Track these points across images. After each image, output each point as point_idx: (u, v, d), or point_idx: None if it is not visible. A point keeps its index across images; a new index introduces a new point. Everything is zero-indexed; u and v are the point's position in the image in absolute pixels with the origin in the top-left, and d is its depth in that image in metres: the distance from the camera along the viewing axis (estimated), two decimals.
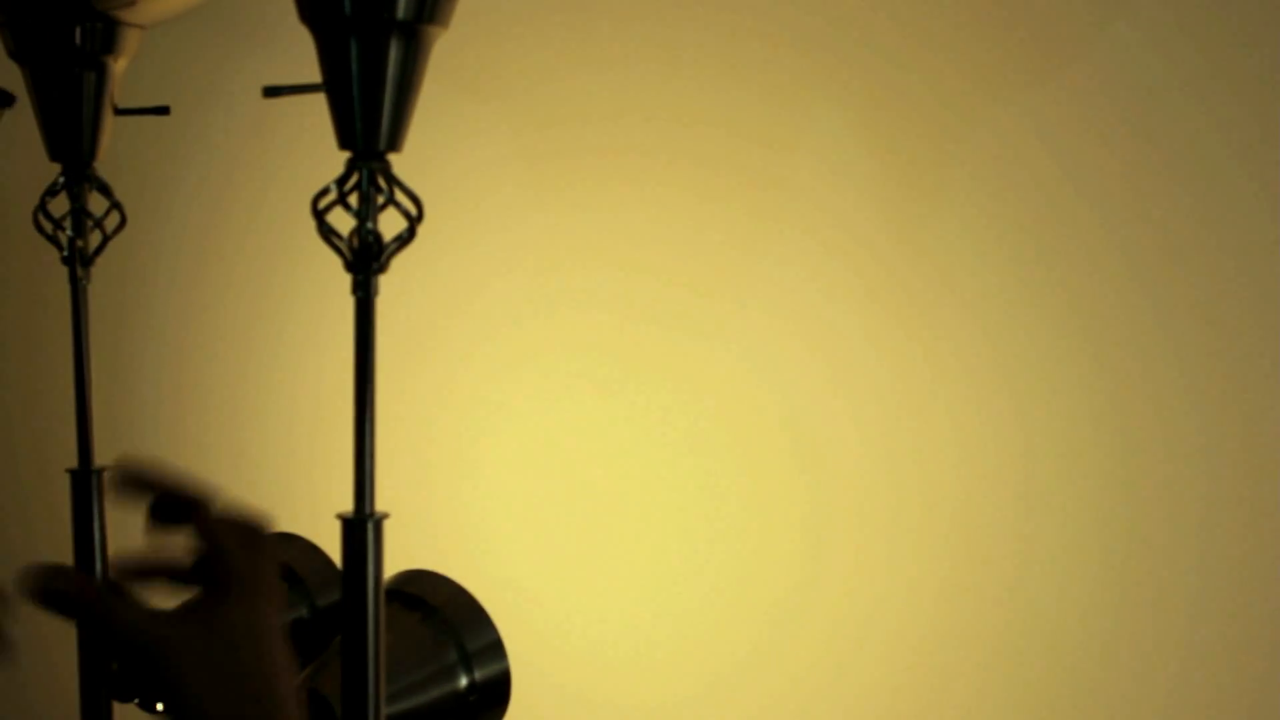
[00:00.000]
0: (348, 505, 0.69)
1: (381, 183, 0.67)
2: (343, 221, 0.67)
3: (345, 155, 0.68)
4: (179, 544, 0.63)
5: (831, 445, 0.98)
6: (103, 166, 0.95)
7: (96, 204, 0.96)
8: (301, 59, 0.71)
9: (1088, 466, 0.90)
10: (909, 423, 0.95)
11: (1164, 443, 0.88)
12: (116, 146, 0.96)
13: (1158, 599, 0.88)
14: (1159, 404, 0.88)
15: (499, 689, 0.91)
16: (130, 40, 0.92)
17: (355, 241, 0.67)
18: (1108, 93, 0.88)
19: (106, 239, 0.96)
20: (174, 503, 0.63)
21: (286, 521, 1.09)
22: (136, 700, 0.90)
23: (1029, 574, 0.92)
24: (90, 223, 0.95)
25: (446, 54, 0.70)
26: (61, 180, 0.94)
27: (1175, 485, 0.87)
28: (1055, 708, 0.92)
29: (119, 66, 0.93)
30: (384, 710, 0.70)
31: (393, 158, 0.68)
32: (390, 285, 0.69)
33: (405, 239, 0.67)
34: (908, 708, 0.97)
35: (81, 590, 0.60)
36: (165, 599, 0.63)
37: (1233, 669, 0.86)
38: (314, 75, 0.68)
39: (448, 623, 0.91)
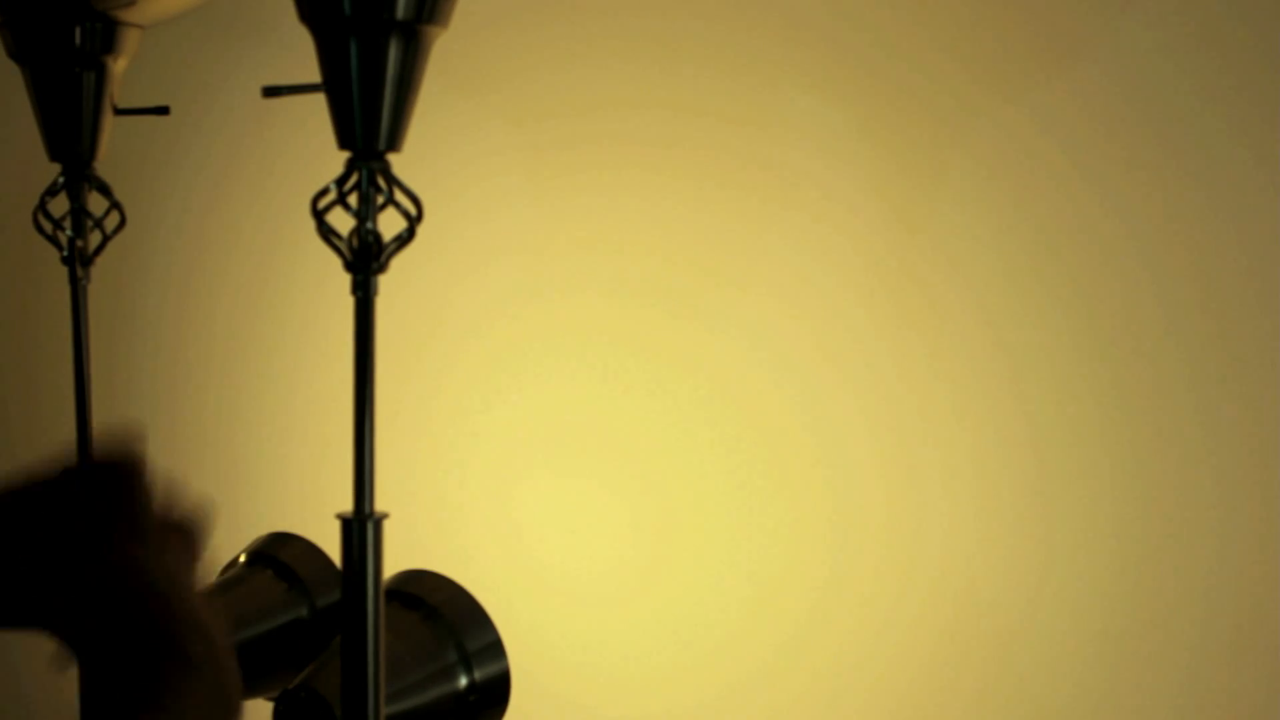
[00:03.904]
0: (347, 505, 0.69)
1: (381, 182, 0.67)
2: (342, 221, 0.67)
3: (345, 155, 0.68)
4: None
5: (838, 433, 0.98)
6: (102, 166, 0.95)
7: (96, 204, 0.96)
8: (301, 59, 0.71)
9: (1093, 457, 0.90)
10: (915, 411, 0.95)
11: (1169, 432, 0.87)
12: (116, 146, 0.96)
13: (1170, 586, 0.88)
14: (1164, 395, 0.88)
15: (499, 689, 0.91)
16: (130, 40, 0.92)
17: (355, 241, 0.67)
18: (1113, 87, 0.87)
19: (106, 239, 0.96)
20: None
21: (286, 521, 1.09)
22: None
23: (1034, 568, 0.92)
24: (90, 223, 0.95)
25: (440, 49, 0.70)
26: (61, 180, 0.94)
27: (1181, 473, 0.87)
28: (1065, 707, 0.92)
29: (119, 66, 0.93)
30: (384, 710, 0.70)
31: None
32: (384, 278, 0.69)
33: (405, 239, 0.67)
34: (915, 710, 0.97)
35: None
36: None
37: (1242, 669, 0.86)
38: (314, 75, 0.68)
39: (448, 623, 0.91)
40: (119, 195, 0.95)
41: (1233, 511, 0.86)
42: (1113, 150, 0.88)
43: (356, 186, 0.67)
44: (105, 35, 0.91)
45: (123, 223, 0.95)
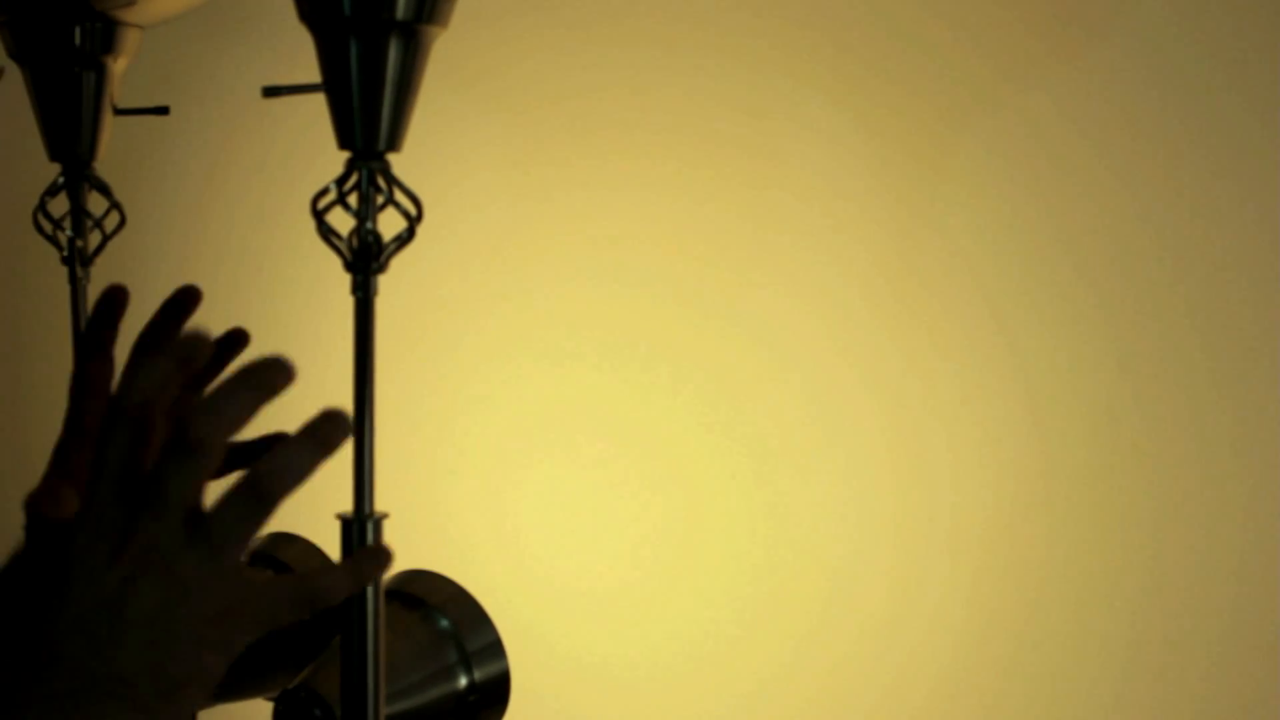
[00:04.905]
0: (347, 505, 0.69)
1: (381, 182, 0.67)
2: (342, 221, 0.67)
3: (345, 155, 0.68)
4: None
5: (845, 425, 0.98)
6: (102, 166, 0.95)
7: (96, 204, 0.96)
8: (301, 59, 0.71)
9: (1103, 449, 0.89)
10: (923, 404, 0.95)
11: (1182, 422, 0.87)
12: (116, 146, 0.96)
13: (1188, 581, 0.88)
14: (1178, 385, 0.87)
15: (499, 689, 0.91)
16: (130, 40, 0.92)
17: (355, 241, 0.67)
18: (1130, 71, 0.87)
19: (106, 239, 0.96)
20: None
21: (286, 521, 1.09)
22: None
23: (1038, 570, 0.92)
24: (90, 223, 0.95)
25: (440, 49, 0.70)
26: (61, 180, 0.94)
27: (1196, 462, 0.87)
28: (1074, 709, 0.92)
29: (119, 66, 0.93)
30: (384, 710, 0.70)
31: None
32: (383, 277, 0.69)
33: (405, 239, 0.67)
34: (928, 710, 0.96)
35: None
36: None
37: (1268, 670, 0.86)
38: (313, 75, 0.68)
39: (448, 623, 0.91)
40: (119, 195, 0.95)
41: (1254, 499, 0.85)
42: (1126, 137, 0.87)
43: (356, 186, 0.67)
44: (105, 35, 0.91)
45: (122, 223, 0.95)
